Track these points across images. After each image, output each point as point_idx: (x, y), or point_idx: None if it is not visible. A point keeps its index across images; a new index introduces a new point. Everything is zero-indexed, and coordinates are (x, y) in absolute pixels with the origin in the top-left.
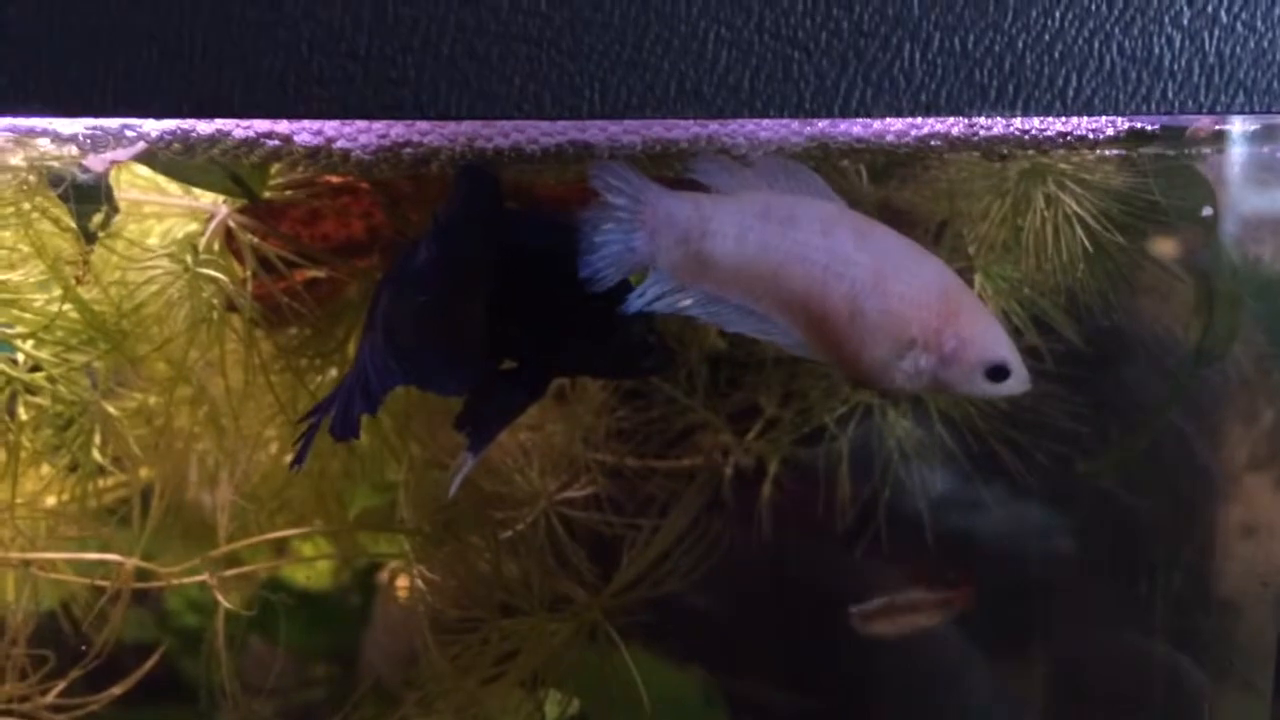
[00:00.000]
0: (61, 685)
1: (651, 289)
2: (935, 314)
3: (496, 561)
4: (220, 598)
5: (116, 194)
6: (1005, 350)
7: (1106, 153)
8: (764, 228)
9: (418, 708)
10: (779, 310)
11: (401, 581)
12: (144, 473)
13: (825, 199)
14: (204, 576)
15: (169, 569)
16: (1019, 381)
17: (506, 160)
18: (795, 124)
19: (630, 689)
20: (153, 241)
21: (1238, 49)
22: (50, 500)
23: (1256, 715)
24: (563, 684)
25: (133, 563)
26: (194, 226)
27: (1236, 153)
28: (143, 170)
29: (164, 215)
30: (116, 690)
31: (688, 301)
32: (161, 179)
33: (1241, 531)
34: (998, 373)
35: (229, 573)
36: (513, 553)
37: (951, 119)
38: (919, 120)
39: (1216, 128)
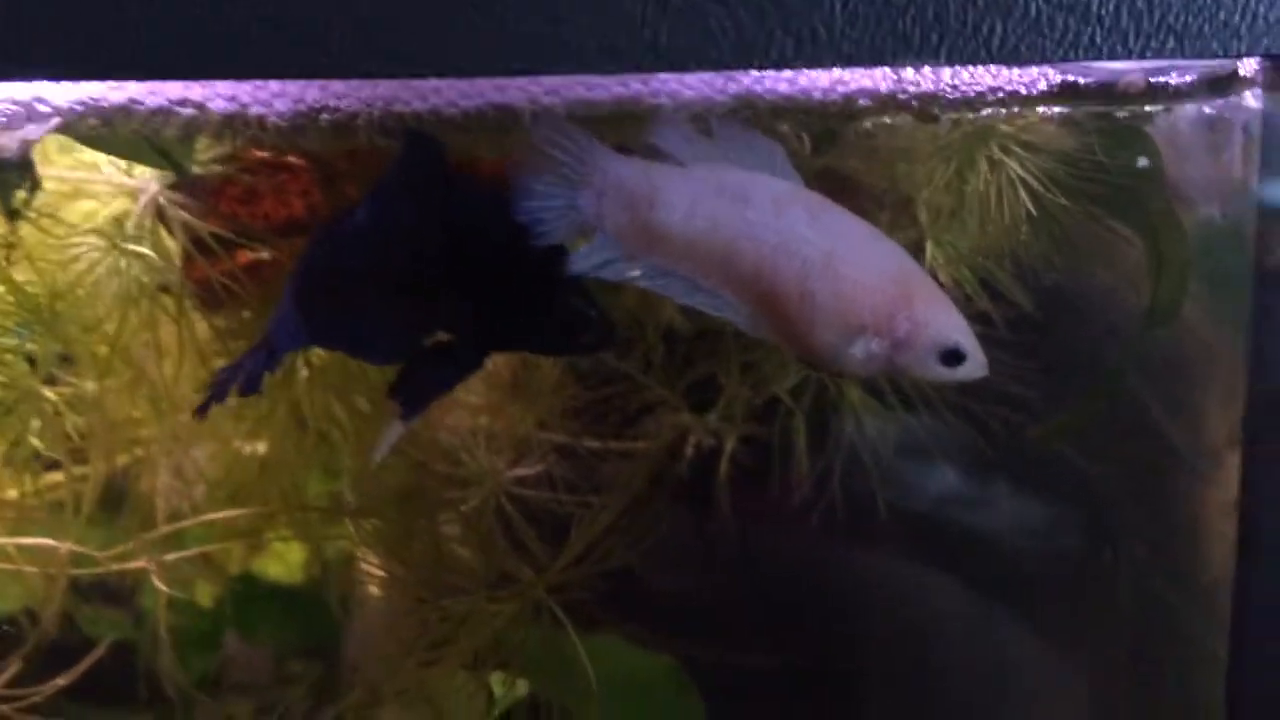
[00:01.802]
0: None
1: (597, 252)
2: (888, 298)
3: (435, 541)
4: (159, 583)
5: (50, 173)
6: (960, 334)
7: (1048, 111)
8: (715, 202)
9: (364, 693)
10: (729, 287)
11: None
12: (90, 462)
13: (782, 172)
14: (142, 562)
15: (104, 553)
16: (975, 365)
17: (428, 126)
18: (719, 81)
19: (586, 673)
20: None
21: None
22: None
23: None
24: (509, 665)
25: (66, 547)
26: (132, 206)
27: (1180, 111)
28: (88, 153)
29: (106, 197)
30: (61, 681)
31: (635, 271)
32: (103, 158)
33: (1223, 510)
34: (952, 357)
35: (173, 556)
36: (461, 534)
37: (878, 74)
38: (844, 76)
39: (1151, 80)
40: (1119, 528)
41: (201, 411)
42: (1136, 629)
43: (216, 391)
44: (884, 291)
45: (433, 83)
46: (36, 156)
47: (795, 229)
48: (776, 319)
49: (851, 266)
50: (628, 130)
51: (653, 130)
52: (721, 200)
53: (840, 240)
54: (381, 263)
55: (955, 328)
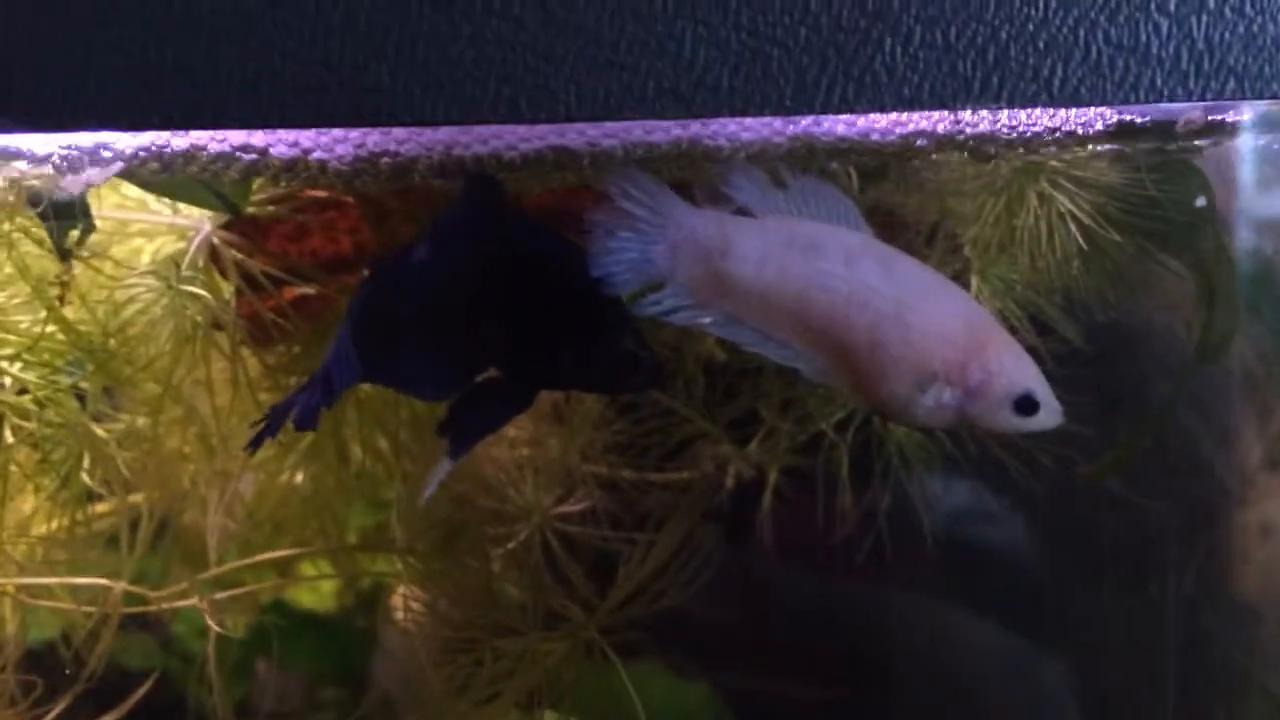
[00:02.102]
0: (55, 711)
1: (669, 299)
2: (959, 347)
3: (488, 579)
4: (211, 620)
5: (101, 212)
6: (1033, 382)
7: (1099, 148)
8: (787, 253)
9: None
10: (800, 338)
11: (399, 601)
12: (136, 496)
13: (855, 226)
14: (194, 600)
15: (158, 593)
16: (1049, 415)
17: (488, 168)
18: (778, 124)
19: (632, 706)
20: (144, 260)
21: (1226, 34)
22: (42, 526)
23: None
24: (560, 703)
25: (121, 586)
26: (182, 245)
27: (1233, 145)
28: (133, 190)
29: (153, 234)
30: (111, 717)
31: (707, 319)
32: (150, 198)
33: (1259, 532)
34: (1026, 405)
35: (222, 595)
36: (508, 570)
37: (936, 115)
38: (903, 117)
39: (1210, 118)
40: (1168, 562)
41: (254, 446)
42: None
43: (269, 427)
44: (955, 341)
45: (492, 127)
46: (91, 198)
47: (866, 280)
48: (848, 369)
49: (922, 316)
50: (687, 170)
51: (726, 179)
52: (792, 251)
53: (911, 290)
54: (439, 300)
55: (1029, 376)
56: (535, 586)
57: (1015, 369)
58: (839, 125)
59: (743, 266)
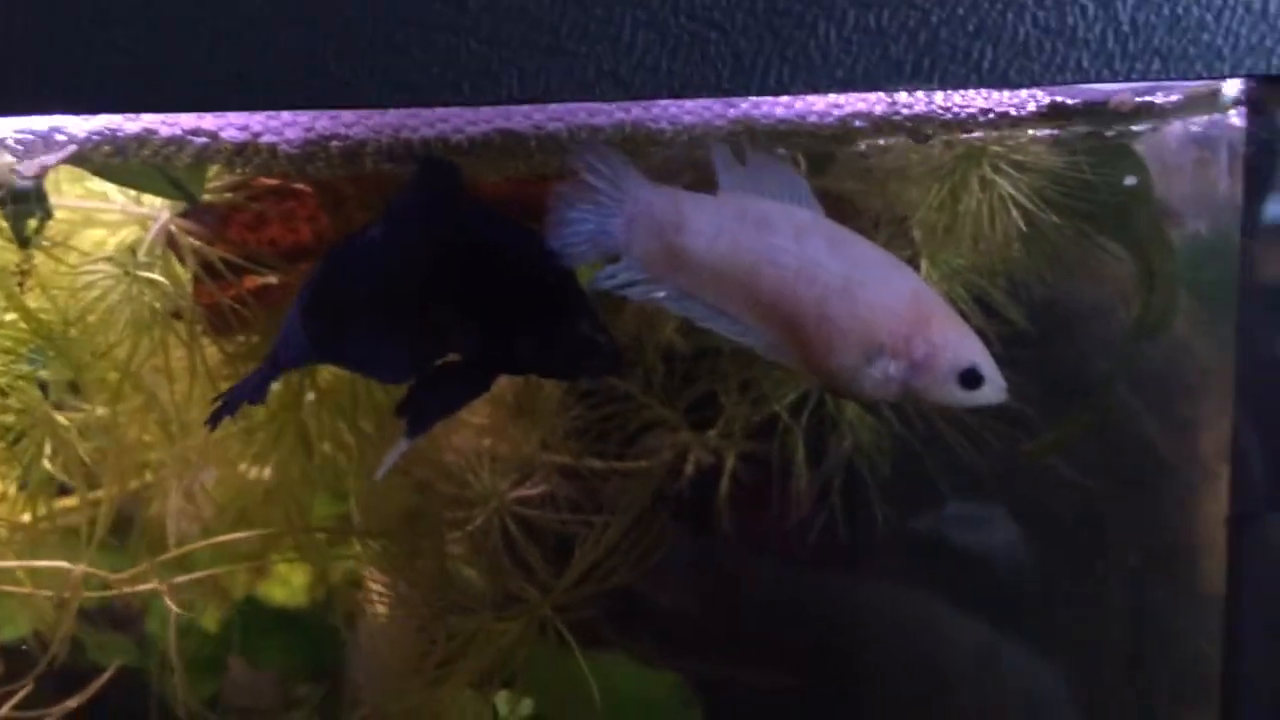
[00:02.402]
0: (12, 701)
1: (624, 273)
2: (905, 321)
3: (442, 561)
4: (170, 603)
5: (63, 202)
6: (978, 356)
7: (1038, 133)
8: (738, 228)
9: (370, 713)
10: (750, 311)
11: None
12: (100, 488)
13: (805, 204)
14: (154, 584)
15: (118, 575)
16: (994, 390)
17: (435, 152)
18: (718, 106)
19: (590, 688)
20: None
21: (1151, 16)
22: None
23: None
24: (516, 684)
25: (81, 569)
26: (143, 234)
27: (1167, 128)
28: (97, 182)
29: (117, 225)
30: (71, 703)
31: (660, 293)
32: (111, 187)
33: (1216, 522)
34: (970, 378)
35: (183, 578)
36: (466, 553)
37: (872, 97)
38: (840, 100)
39: (1138, 100)
40: (1112, 541)
41: (212, 423)
42: (1132, 640)
43: (227, 405)
44: (900, 315)
45: (439, 110)
46: (48, 186)
47: (814, 255)
48: (796, 343)
49: (868, 291)
50: (631, 153)
51: (710, 152)
52: (744, 225)
53: (858, 266)
54: (392, 283)
55: (973, 350)
56: (490, 568)
57: (960, 343)
58: (777, 108)
59: (696, 240)
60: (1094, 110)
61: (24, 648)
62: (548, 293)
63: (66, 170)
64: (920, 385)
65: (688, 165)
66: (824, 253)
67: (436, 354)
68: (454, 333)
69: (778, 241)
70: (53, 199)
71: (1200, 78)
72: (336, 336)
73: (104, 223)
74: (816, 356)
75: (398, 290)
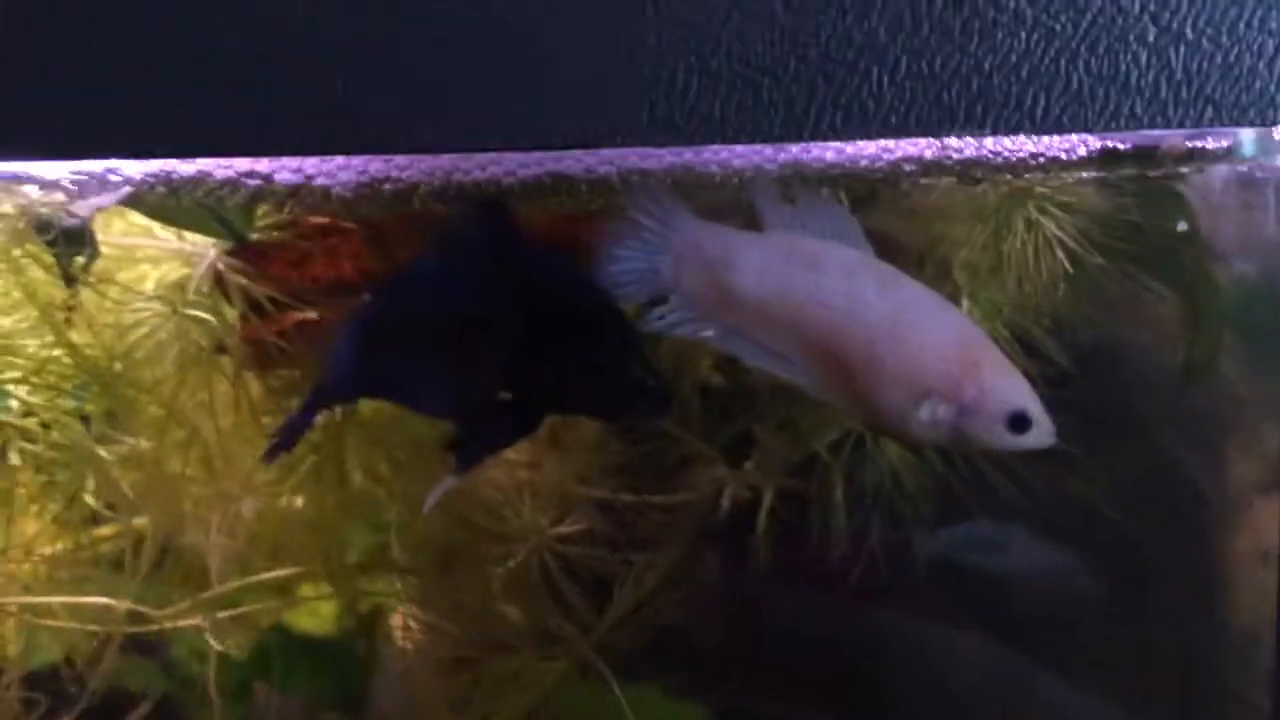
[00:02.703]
0: None
1: (674, 314)
2: (954, 364)
3: (485, 599)
4: (212, 640)
5: (108, 239)
6: (1026, 400)
7: (1084, 175)
8: (787, 268)
9: None
10: (799, 351)
11: (399, 623)
12: (139, 519)
13: (855, 243)
14: (196, 620)
15: (161, 613)
16: (1042, 433)
17: (487, 194)
18: (768, 150)
19: None
20: (148, 286)
21: (1204, 64)
22: (46, 548)
23: None
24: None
25: (124, 606)
26: (187, 271)
27: (1214, 170)
28: (139, 217)
29: (159, 260)
30: None
31: (709, 332)
32: (156, 225)
33: (1257, 559)
34: (1019, 422)
35: (220, 614)
36: (506, 590)
37: (923, 142)
38: (890, 144)
39: (1190, 145)
40: (1156, 579)
41: (270, 457)
42: (1175, 679)
43: (284, 439)
44: (949, 358)
45: (491, 153)
46: (95, 223)
47: (863, 295)
48: (845, 383)
49: (917, 332)
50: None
51: (751, 191)
52: (793, 266)
53: (907, 307)
54: (444, 318)
55: (1022, 394)
56: (530, 606)
57: (1008, 386)
58: (827, 152)
59: (745, 279)
60: (1144, 155)
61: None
62: (600, 334)
63: (113, 207)
64: (968, 428)
65: (737, 208)
66: (873, 293)
67: (487, 391)
68: (505, 370)
69: (826, 281)
70: (101, 235)
71: (1252, 125)
72: (387, 370)
73: (147, 258)
74: (864, 397)
75: (449, 325)
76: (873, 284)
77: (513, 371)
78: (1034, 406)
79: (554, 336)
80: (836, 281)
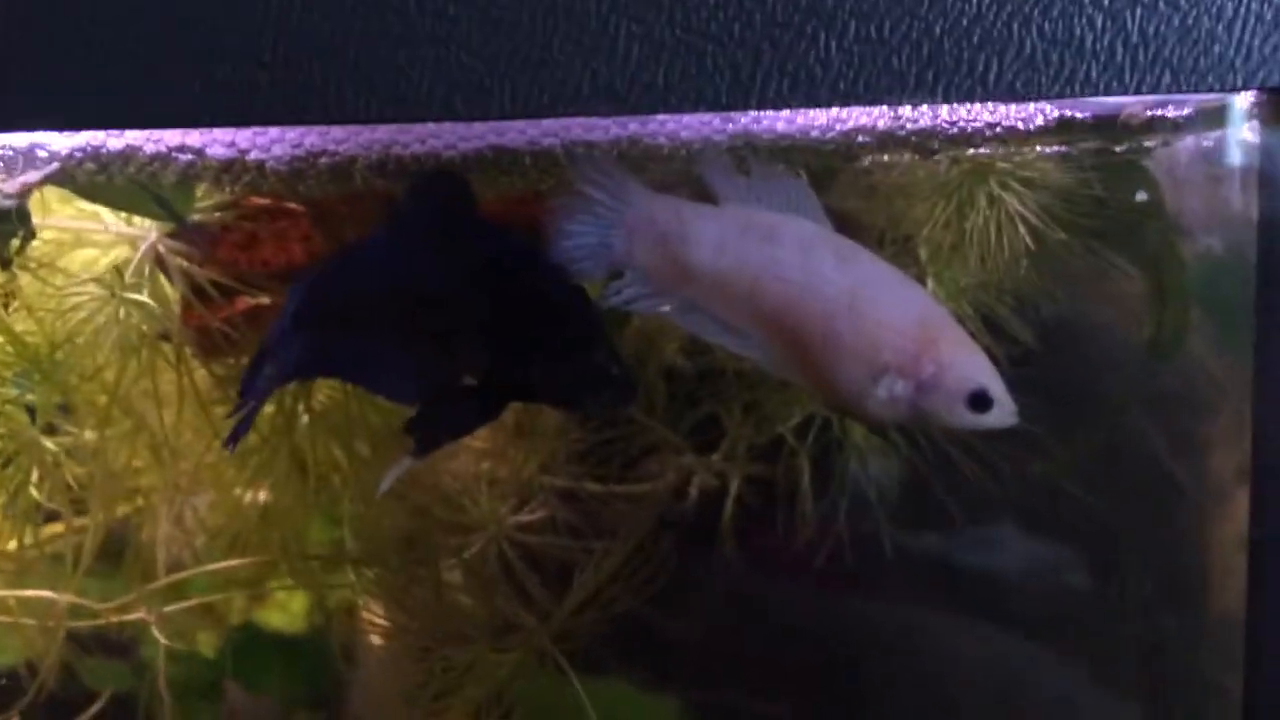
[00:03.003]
0: None
1: (629, 289)
2: (912, 339)
3: (437, 589)
4: (158, 634)
5: (47, 221)
6: (987, 377)
7: (1046, 149)
8: (743, 240)
9: None
10: (756, 326)
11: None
12: (87, 515)
13: (813, 216)
14: (142, 614)
15: (106, 605)
16: (1004, 413)
17: (426, 169)
18: (717, 121)
19: (587, 716)
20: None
21: (1161, 27)
22: None
23: None
24: (513, 715)
25: (67, 598)
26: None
27: (1178, 144)
28: (87, 204)
29: (108, 246)
30: None
31: (666, 306)
32: (106, 211)
33: (1238, 546)
34: (979, 401)
35: (174, 607)
36: (463, 580)
37: (875, 111)
38: (842, 114)
39: (1149, 114)
40: (1125, 563)
41: (230, 443)
42: (1147, 665)
43: (241, 423)
44: (908, 333)
45: (431, 126)
46: (35, 206)
47: (820, 269)
48: (802, 359)
49: (875, 307)
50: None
51: (701, 163)
52: (749, 239)
53: (865, 282)
54: (398, 295)
55: (983, 371)
56: (487, 595)
57: (969, 364)
58: (778, 122)
59: (700, 252)
60: (1104, 125)
61: (2, 682)
62: (563, 320)
63: (57, 191)
64: (927, 406)
65: (686, 182)
66: (830, 267)
67: (447, 374)
68: (466, 354)
69: (783, 255)
70: (39, 219)
71: (1212, 91)
72: (340, 348)
73: (94, 243)
74: (822, 374)
75: (404, 303)
76: (830, 258)
77: (474, 355)
78: (995, 385)
79: (516, 319)
80: (793, 255)
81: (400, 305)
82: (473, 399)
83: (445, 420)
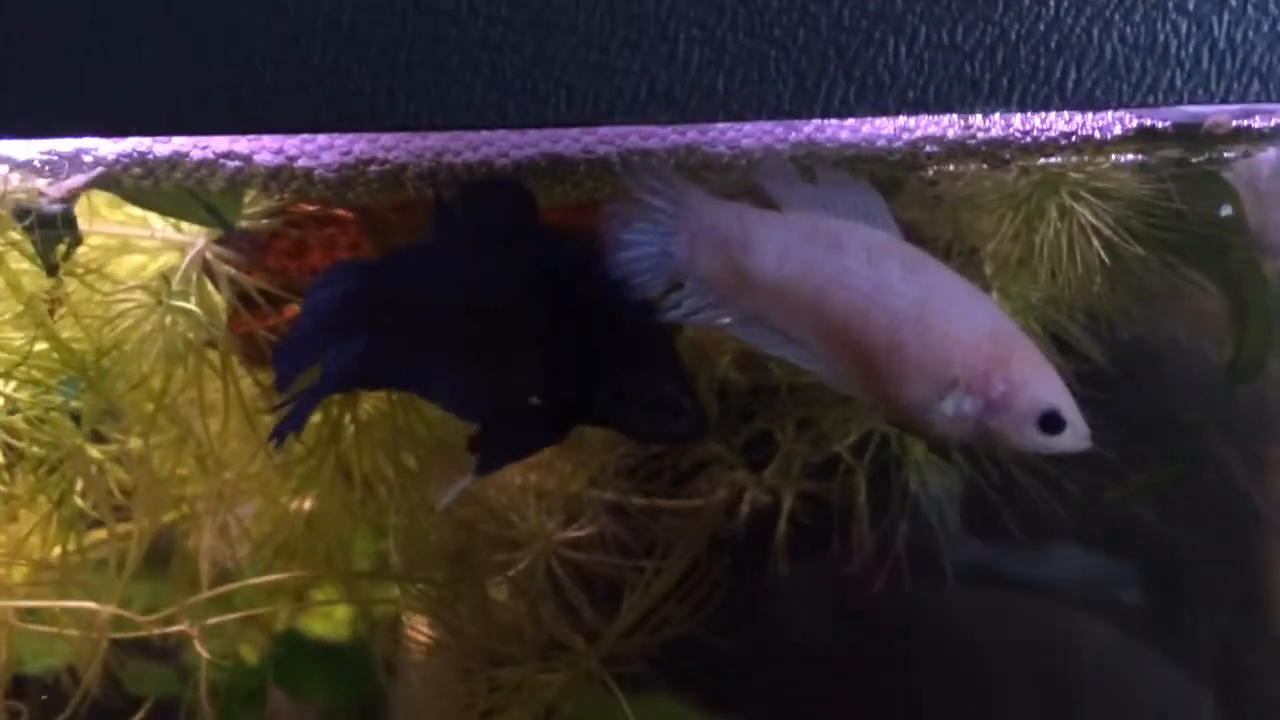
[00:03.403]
0: None
1: (689, 300)
2: (981, 355)
3: (484, 605)
4: (200, 646)
5: (94, 227)
6: (1060, 398)
7: (1121, 158)
8: (808, 249)
9: None
10: (819, 338)
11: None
12: (131, 522)
13: (881, 223)
14: (183, 626)
15: (147, 617)
16: (1076, 436)
17: (479, 177)
18: (779, 130)
19: None
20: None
21: (1250, 33)
22: (37, 550)
23: None
24: None
25: (110, 610)
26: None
27: (1263, 155)
28: (136, 210)
29: (156, 252)
30: None
31: (726, 319)
32: (154, 217)
33: None
34: (1051, 422)
35: (217, 619)
36: (511, 597)
37: (945, 120)
38: (910, 123)
39: (1236, 124)
40: (1200, 591)
41: (277, 440)
42: (1222, 692)
43: (291, 419)
44: (977, 348)
45: (483, 133)
46: (83, 212)
47: (888, 280)
48: (865, 373)
49: (944, 320)
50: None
51: (758, 169)
52: (814, 247)
53: (934, 293)
54: (453, 303)
55: (1056, 392)
56: (534, 614)
57: (1041, 383)
58: (842, 131)
59: (763, 261)
60: (1186, 134)
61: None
62: (637, 347)
63: (105, 196)
64: (996, 426)
65: (748, 192)
66: (898, 277)
67: (510, 392)
68: (527, 370)
69: (849, 263)
70: (87, 224)
71: None
72: (394, 356)
73: (142, 249)
74: (887, 389)
75: (461, 312)
76: (899, 268)
77: (535, 371)
78: (1068, 407)
79: (581, 338)
80: (860, 264)
81: (457, 314)
82: (537, 419)
83: (508, 440)
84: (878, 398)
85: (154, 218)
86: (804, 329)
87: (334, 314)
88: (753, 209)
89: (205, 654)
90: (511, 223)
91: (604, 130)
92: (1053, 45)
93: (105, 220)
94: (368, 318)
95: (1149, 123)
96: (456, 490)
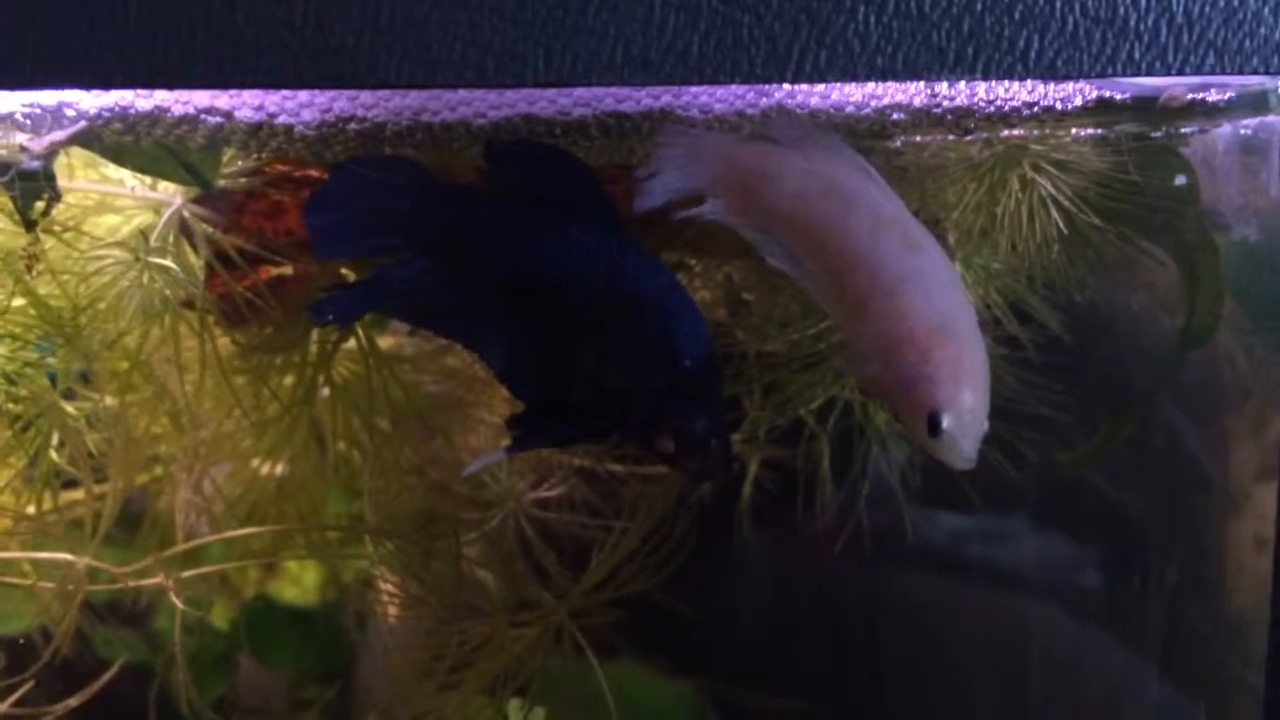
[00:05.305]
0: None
1: (707, 209)
2: (915, 341)
3: (456, 563)
4: (175, 598)
5: (73, 185)
6: (955, 411)
7: (1081, 132)
8: (823, 199)
9: (380, 717)
10: (814, 268)
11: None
12: (106, 481)
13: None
14: (159, 579)
15: (123, 569)
16: (955, 451)
17: (457, 137)
18: (750, 95)
19: (604, 698)
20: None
21: (1207, 8)
22: (10, 505)
23: None
24: (529, 691)
25: (85, 561)
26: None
27: (1215, 131)
28: (114, 170)
29: (132, 212)
30: (73, 701)
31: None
32: (128, 174)
33: (1254, 545)
34: (934, 428)
35: (190, 573)
36: (481, 556)
37: (912, 88)
38: (878, 90)
39: (1190, 98)
40: (1148, 556)
41: (317, 318)
42: (1169, 660)
43: (338, 308)
44: (915, 335)
45: (461, 93)
46: (60, 170)
47: (887, 249)
48: (838, 308)
49: (908, 302)
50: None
51: (774, 131)
52: (829, 199)
53: (914, 276)
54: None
55: (954, 404)
56: (505, 570)
57: (944, 388)
58: (812, 98)
59: (778, 190)
60: (1143, 107)
61: (20, 642)
62: (686, 382)
63: (82, 155)
64: (897, 406)
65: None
66: (896, 250)
67: (564, 388)
68: (587, 372)
69: (854, 224)
70: (64, 182)
71: (1257, 73)
72: (462, 310)
73: (119, 208)
74: (846, 330)
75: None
76: (898, 243)
77: (595, 377)
78: (961, 424)
79: (641, 364)
80: (863, 226)
81: (522, 284)
82: (578, 417)
83: (547, 429)
84: (844, 332)
85: (130, 177)
86: (803, 256)
87: (381, 201)
88: (777, 147)
89: (180, 604)
90: (571, 192)
91: (579, 92)
92: (1016, 16)
93: (82, 179)
94: (424, 238)
95: (1108, 94)
96: (485, 462)
